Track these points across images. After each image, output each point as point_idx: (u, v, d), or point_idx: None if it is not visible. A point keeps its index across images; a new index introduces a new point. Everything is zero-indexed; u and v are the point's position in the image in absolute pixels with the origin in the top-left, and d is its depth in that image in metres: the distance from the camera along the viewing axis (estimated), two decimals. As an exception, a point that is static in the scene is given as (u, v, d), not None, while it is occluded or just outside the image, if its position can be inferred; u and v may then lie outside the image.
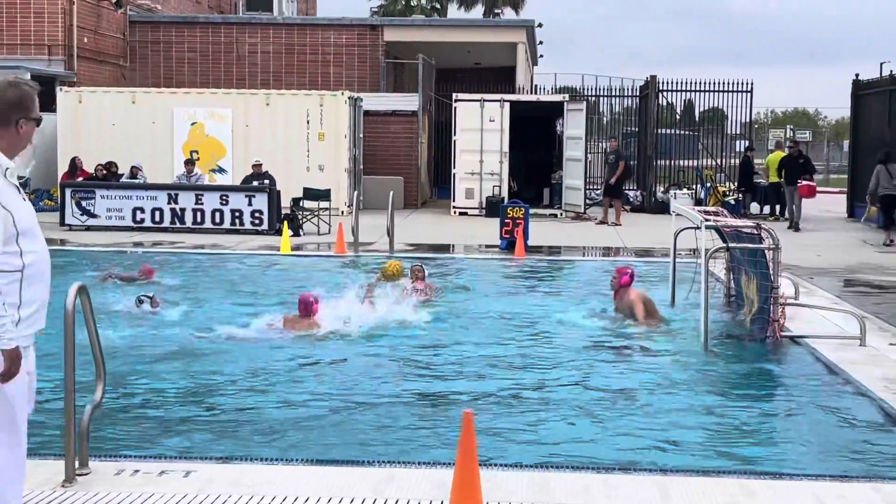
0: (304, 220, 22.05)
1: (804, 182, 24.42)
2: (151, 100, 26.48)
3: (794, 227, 23.64)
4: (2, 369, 4.55)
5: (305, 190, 23.08)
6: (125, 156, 24.30)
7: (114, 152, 24.63)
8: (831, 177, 50.90)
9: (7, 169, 4.65)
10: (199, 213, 21.64)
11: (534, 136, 29.31)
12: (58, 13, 28.22)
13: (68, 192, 21.89)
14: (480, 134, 27.25)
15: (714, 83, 29.81)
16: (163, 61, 31.84)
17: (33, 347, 4.82)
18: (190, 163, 23.47)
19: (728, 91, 29.77)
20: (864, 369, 9.32)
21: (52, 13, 28.24)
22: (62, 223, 21.68)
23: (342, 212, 24.60)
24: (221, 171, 26.02)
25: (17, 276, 4.61)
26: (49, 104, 26.35)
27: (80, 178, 23.50)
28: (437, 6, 58.20)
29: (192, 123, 26.11)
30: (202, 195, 21.78)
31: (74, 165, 24.39)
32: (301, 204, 22.53)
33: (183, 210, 21.65)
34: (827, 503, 5.89)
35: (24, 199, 4.75)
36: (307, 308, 11.35)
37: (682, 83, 29.88)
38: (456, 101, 27.64)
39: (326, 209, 22.39)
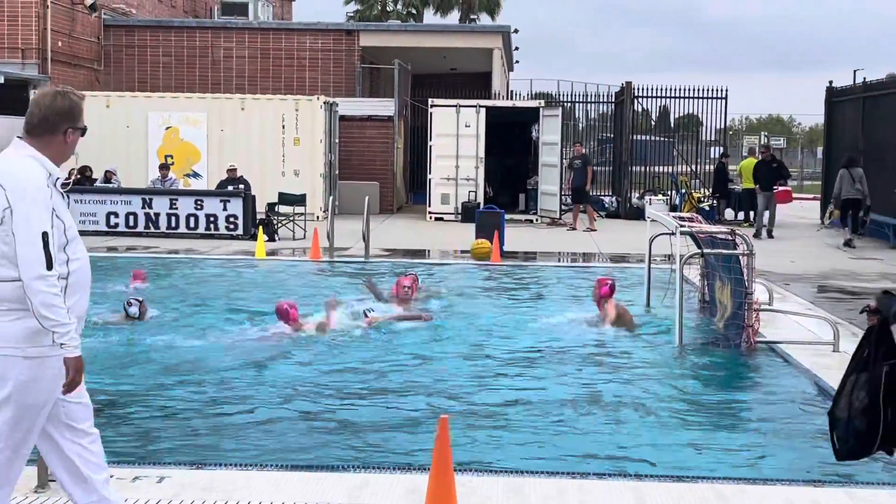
0: (280, 225, 21.99)
1: (781, 188, 24.58)
2: (126, 104, 26.38)
3: (768, 233, 23.72)
4: (66, 379, 4.57)
5: (280, 195, 23.04)
6: (99, 160, 24.15)
7: (88, 156, 24.40)
8: (805, 183, 51.20)
9: (57, 179, 4.71)
10: (173, 218, 21.55)
11: (510, 141, 29.37)
12: (32, 17, 28.05)
13: (41, 196, 21.70)
14: (456, 139, 27.29)
15: (689, 90, 29.98)
16: (137, 65, 31.71)
17: None
18: (164, 167, 23.38)
19: (703, 98, 29.93)
20: (837, 375, 9.25)
21: (25, 16, 28.06)
22: (35, 228, 21.46)
23: (317, 217, 24.56)
24: (196, 175, 25.94)
25: (63, 283, 4.65)
26: (23, 108, 26.15)
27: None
28: (413, 11, 58.24)
29: (167, 128, 26.04)
30: (177, 200, 21.70)
31: (47, 169, 24.22)
32: (276, 209, 22.48)
33: (157, 215, 21.56)
34: (800, 508, 5.92)
35: (67, 207, 4.81)
36: (283, 316, 11.40)
37: (657, 89, 30.05)
38: (432, 106, 27.67)
39: (302, 214, 22.34)
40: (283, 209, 22.55)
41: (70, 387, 4.58)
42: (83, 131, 4.87)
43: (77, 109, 4.82)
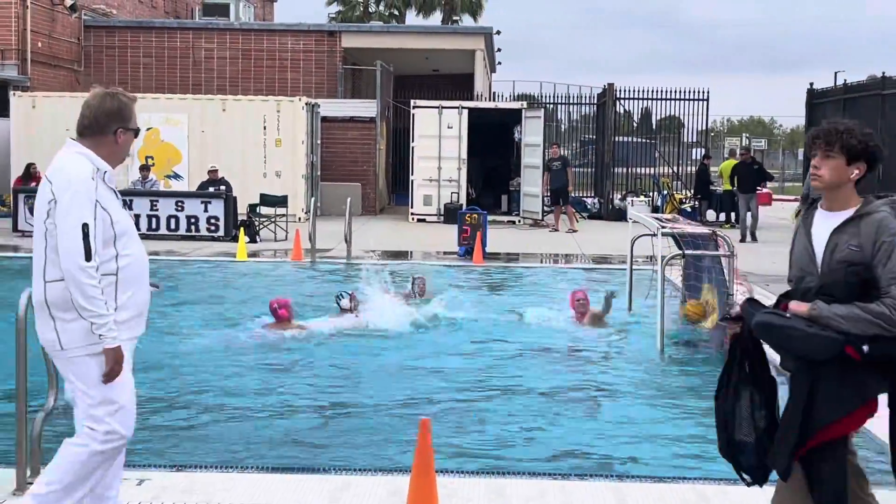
0: (261, 226, 21.94)
1: (760, 191, 24.69)
2: (106, 105, 26.21)
3: (752, 235, 23.69)
4: (105, 369, 4.69)
5: (262, 196, 22.97)
6: (80, 161, 24.03)
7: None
8: (786, 185, 51.41)
9: (105, 173, 4.77)
10: (154, 220, 21.46)
11: (492, 142, 29.36)
12: (11, 17, 27.93)
13: (21, 197, 21.62)
14: (439, 140, 27.28)
15: (671, 91, 30.07)
16: (118, 66, 31.62)
17: (132, 353, 4.96)
18: (145, 168, 23.26)
19: (684, 99, 30.03)
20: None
21: (4, 17, 27.94)
22: (14, 229, 21.40)
23: (299, 218, 24.51)
24: (177, 176, 25.86)
25: (113, 279, 4.69)
26: (2, 109, 26.08)
27: (35, 184, 23.22)
28: (396, 13, 58.21)
29: (148, 129, 25.89)
30: (157, 201, 21.61)
31: (29, 172, 24.11)
32: (258, 210, 22.42)
33: (137, 216, 21.41)
34: (781, 508, 5.91)
35: (121, 203, 4.85)
36: (274, 315, 11.46)
37: (639, 91, 30.11)
38: (414, 107, 27.65)
39: (283, 216, 22.29)
40: (264, 210, 22.49)
41: (109, 377, 4.68)
42: (136, 132, 4.91)
43: (127, 110, 4.89)
